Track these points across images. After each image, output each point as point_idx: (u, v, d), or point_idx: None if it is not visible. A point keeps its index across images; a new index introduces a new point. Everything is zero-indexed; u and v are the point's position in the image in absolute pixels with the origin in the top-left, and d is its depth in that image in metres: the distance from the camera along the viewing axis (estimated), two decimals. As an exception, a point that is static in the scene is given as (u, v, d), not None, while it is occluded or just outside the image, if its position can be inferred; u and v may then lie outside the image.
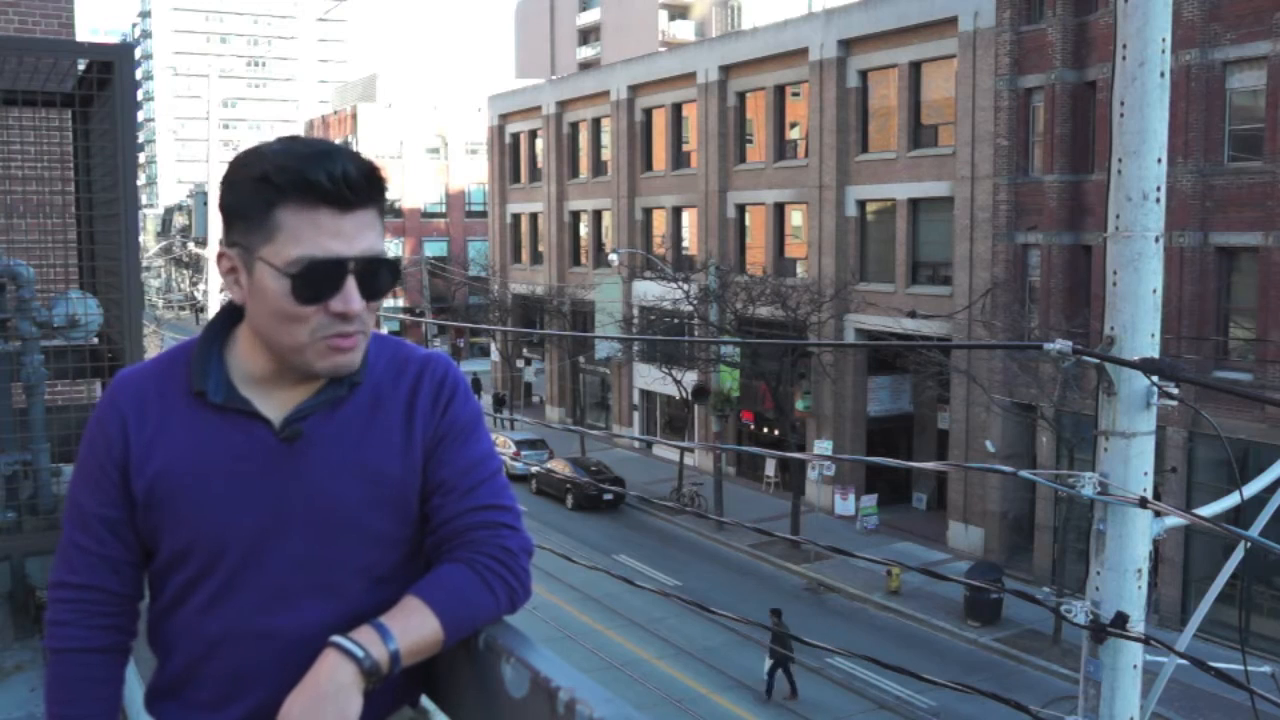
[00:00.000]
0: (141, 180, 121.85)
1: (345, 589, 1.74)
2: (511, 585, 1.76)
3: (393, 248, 59.80)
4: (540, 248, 46.63)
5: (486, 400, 47.09)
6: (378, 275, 1.67)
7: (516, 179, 48.99)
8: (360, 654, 1.60)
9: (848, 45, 30.77)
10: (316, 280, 1.62)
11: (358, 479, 1.74)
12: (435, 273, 57.15)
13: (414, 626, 1.66)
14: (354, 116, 60.43)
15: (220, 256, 1.72)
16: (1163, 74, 4.09)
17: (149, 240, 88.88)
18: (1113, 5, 4.24)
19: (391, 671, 1.63)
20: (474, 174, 60.71)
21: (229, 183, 1.68)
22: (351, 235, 1.63)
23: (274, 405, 1.74)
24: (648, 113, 39.85)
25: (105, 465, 1.76)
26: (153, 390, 1.77)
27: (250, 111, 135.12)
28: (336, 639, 1.63)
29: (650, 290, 36.06)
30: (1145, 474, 4.21)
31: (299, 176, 1.60)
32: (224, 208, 1.69)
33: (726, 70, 35.35)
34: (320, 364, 1.68)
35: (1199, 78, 21.61)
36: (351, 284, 1.64)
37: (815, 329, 29.52)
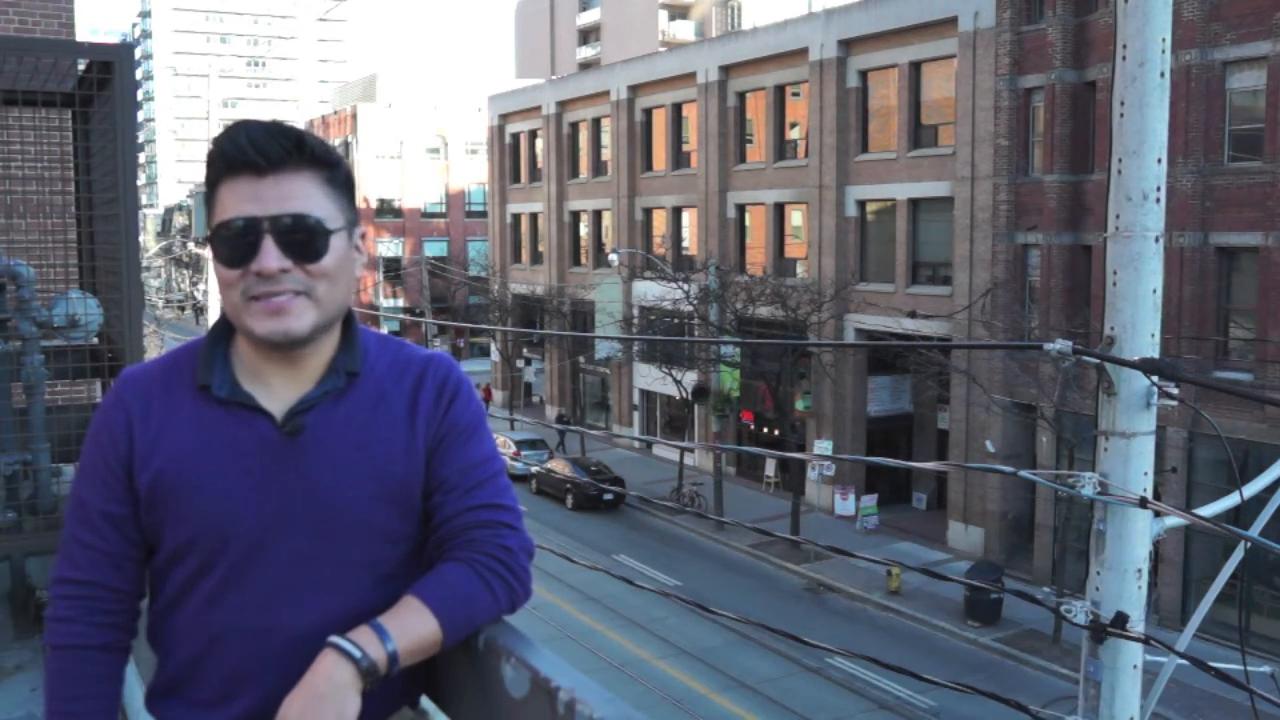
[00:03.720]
0: (141, 180, 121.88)
1: (348, 585, 1.74)
2: (511, 585, 1.76)
3: (393, 247, 59.77)
4: (540, 248, 46.63)
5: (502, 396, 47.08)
6: (304, 235, 1.68)
7: (516, 179, 48.99)
8: (358, 654, 1.60)
9: (848, 45, 30.76)
10: (230, 241, 1.67)
11: (362, 475, 1.74)
12: (435, 273, 57.12)
13: (412, 626, 1.66)
14: (354, 116, 60.39)
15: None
16: (1163, 74, 4.09)
17: (149, 240, 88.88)
18: (1113, 5, 4.24)
19: (390, 672, 1.63)
20: (474, 174, 60.68)
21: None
22: (268, 198, 1.66)
23: (277, 400, 1.75)
24: (648, 113, 39.85)
25: (110, 462, 1.76)
26: (158, 387, 1.79)
27: (250, 111, 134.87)
28: (334, 639, 1.63)
29: (650, 290, 36.06)
30: (1145, 474, 4.20)
31: (216, 151, 1.68)
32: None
33: (726, 70, 35.34)
34: (258, 328, 1.69)
35: (1199, 78, 21.61)
36: (267, 243, 1.66)
37: (815, 329, 29.51)
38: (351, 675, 1.60)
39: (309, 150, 1.69)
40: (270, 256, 1.65)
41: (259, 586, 1.72)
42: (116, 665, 1.81)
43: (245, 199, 1.66)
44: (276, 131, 1.67)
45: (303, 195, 1.68)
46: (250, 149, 1.65)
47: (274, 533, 1.72)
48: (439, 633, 1.68)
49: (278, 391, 1.76)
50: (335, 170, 1.73)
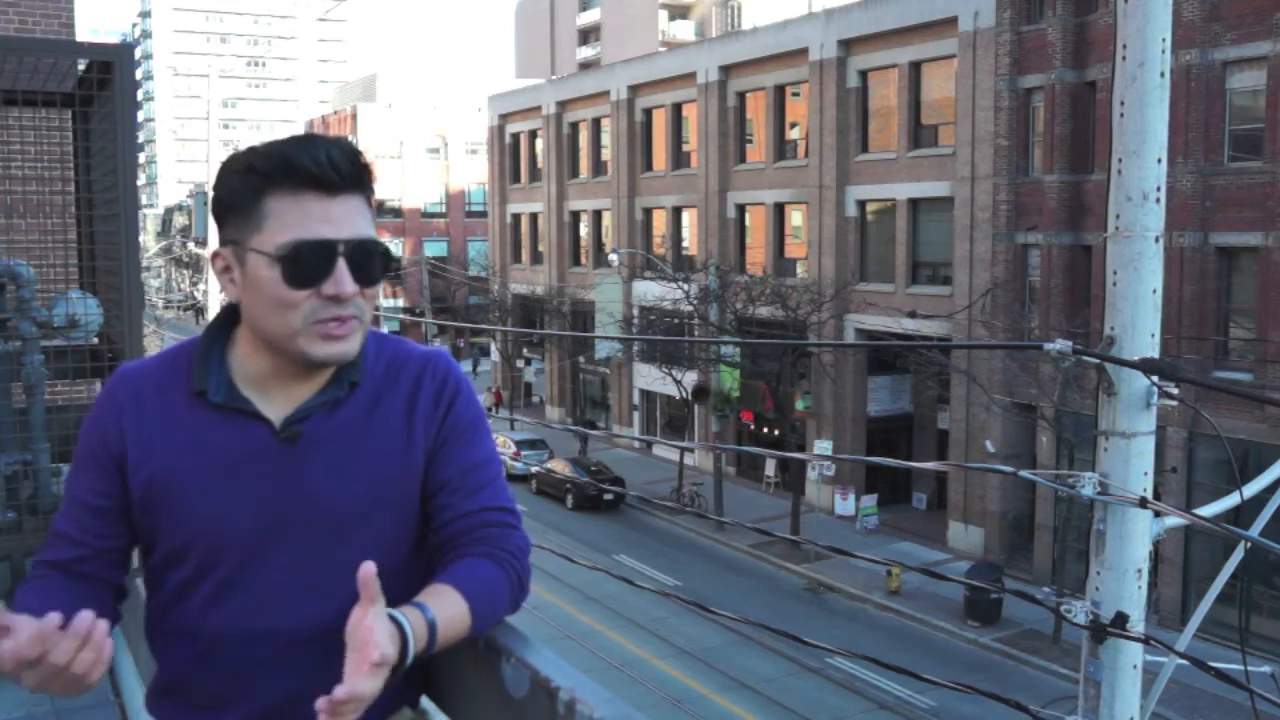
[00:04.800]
0: (141, 180, 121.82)
1: (347, 589, 1.73)
2: (521, 584, 1.77)
3: (393, 248, 59.47)
4: (540, 248, 46.63)
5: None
6: (370, 259, 1.67)
7: (516, 179, 48.99)
8: (404, 620, 1.56)
9: (848, 45, 30.76)
10: (307, 263, 1.62)
11: (357, 480, 1.73)
12: (435, 273, 57.12)
13: (449, 608, 1.63)
14: (354, 116, 60.40)
15: (214, 257, 1.73)
16: (1163, 74, 4.09)
17: (149, 240, 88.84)
18: (1113, 5, 4.24)
19: (425, 650, 1.58)
20: (474, 174, 60.69)
21: (219, 181, 1.70)
22: (339, 220, 1.64)
23: (274, 406, 1.74)
24: (648, 113, 39.85)
25: (99, 455, 1.76)
26: (152, 387, 1.77)
27: (250, 111, 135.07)
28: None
29: (650, 290, 36.05)
30: (1145, 474, 4.20)
31: (284, 162, 1.62)
32: (215, 206, 1.71)
33: (726, 70, 35.34)
34: (316, 351, 1.67)
35: (1199, 78, 21.61)
36: (342, 266, 1.64)
37: (815, 329, 29.51)
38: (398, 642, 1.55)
39: (369, 175, 1.69)
40: (347, 281, 1.64)
41: (257, 591, 1.71)
42: (74, 583, 1.76)
43: (317, 219, 1.62)
44: (351, 152, 1.65)
45: (363, 219, 1.68)
46: (329, 167, 1.62)
47: (271, 538, 1.71)
48: (469, 620, 1.66)
49: (275, 398, 1.74)
50: (372, 192, 1.73)
